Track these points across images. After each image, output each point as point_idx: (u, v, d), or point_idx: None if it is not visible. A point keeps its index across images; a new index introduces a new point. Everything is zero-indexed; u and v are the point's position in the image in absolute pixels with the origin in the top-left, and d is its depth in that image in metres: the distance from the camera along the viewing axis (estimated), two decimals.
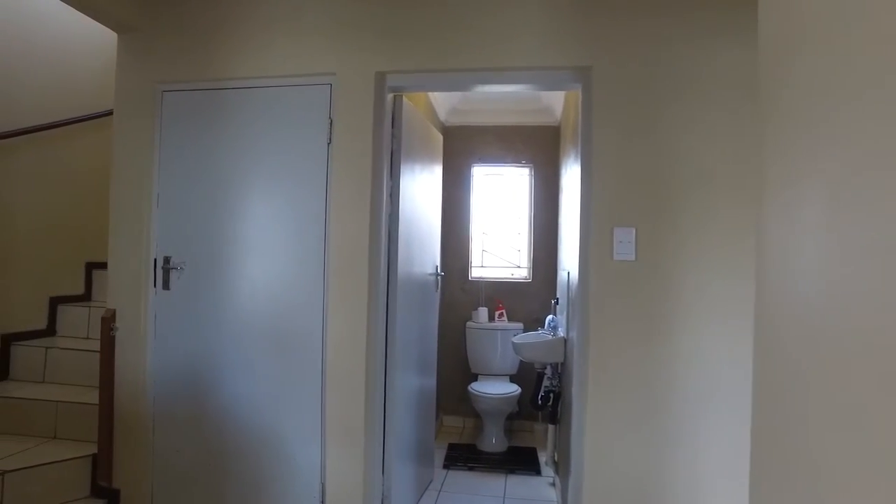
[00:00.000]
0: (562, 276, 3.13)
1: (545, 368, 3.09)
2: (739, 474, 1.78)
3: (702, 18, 1.98)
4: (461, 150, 3.97)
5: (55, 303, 2.95)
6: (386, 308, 2.31)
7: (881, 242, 0.54)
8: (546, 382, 3.05)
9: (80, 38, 3.00)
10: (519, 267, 4.03)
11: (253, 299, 2.25)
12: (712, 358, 1.94)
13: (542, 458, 3.34)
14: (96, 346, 2.36)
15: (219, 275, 2.28)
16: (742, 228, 1.91)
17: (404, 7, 2.15)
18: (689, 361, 1.95)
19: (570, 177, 2.81)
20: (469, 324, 3.83)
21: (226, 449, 2.24)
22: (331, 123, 2.19)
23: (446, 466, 3.20)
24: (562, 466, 2.71)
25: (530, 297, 3.89)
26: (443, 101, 3.75)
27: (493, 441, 3.46)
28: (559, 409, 2.92)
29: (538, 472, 3.15)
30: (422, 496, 2.78)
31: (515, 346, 3.03)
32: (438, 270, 3.14)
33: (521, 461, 3.30)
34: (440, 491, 2.88)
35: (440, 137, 3.20)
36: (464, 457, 3.34)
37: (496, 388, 3.45)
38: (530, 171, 3.99)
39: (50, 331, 2.92)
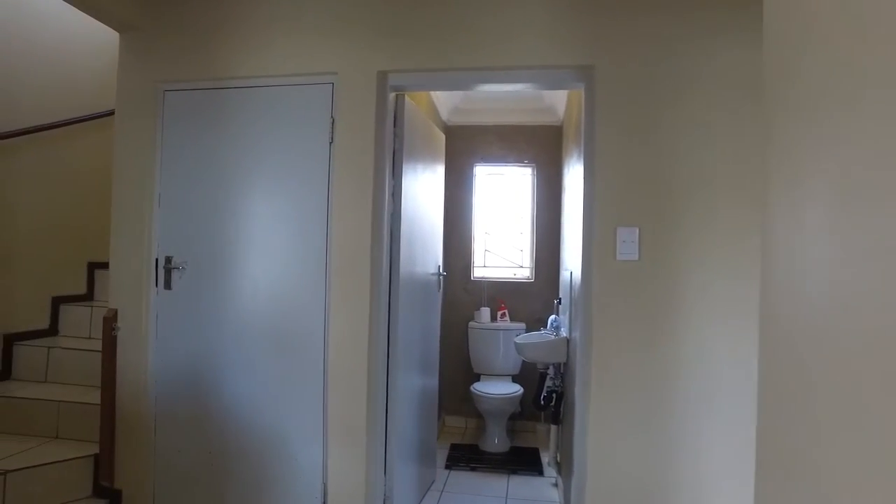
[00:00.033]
0: (564, 275, 3.12)
1: (548, 369, 3.09)
2: (742, 474, 1.78)
3: (702, 18, 1.97)
4: (463, 149, 3.96)
5: (57, 303, 2.95)
6: (388, 308, 2.30)
7: (886, 243, 0.53)
8: (548, 383, 3.05)
9: (81, 38, 3.00)
10: (521, 267, 4.02)
11: (254, 299, 2.25)
12: (714, 358, 1.94)
13: (545, 458, 3.33)
14: (98, 345, 2.36)
15: (220, 275, 2.28)
16: (743, 228, 1.91)
17: (406, 6, 2.15)
18: (692, 361, 1.95)
19: (573, 176, 2.80)
20: (471, 324, 3.83)
21: (227, 449, 2.24)
22: (332, 122, 2.19)
23: (448, 467, 3.19)
24: (564, 467, 2.71)
25: (533, 297, 3.89)
26: (445, 101, 3.74)
27: (496, 441, 3.45)
28: (562, 409, 2.91)
29: (541, 473, 3.15)
30: (424, 496, 2.78)
31: (518, 347, 3.03)
32: (441, 270, 3.13)
33: (523, 462, 3.30)
34: (442, 491, 2.88)
35: (442, 137, 3.19)
36: (466, 457, 3.33)
37: (498, 389, 3.45)
38: (533, 171, 3.98)
39: (52, 330, 2.92)
